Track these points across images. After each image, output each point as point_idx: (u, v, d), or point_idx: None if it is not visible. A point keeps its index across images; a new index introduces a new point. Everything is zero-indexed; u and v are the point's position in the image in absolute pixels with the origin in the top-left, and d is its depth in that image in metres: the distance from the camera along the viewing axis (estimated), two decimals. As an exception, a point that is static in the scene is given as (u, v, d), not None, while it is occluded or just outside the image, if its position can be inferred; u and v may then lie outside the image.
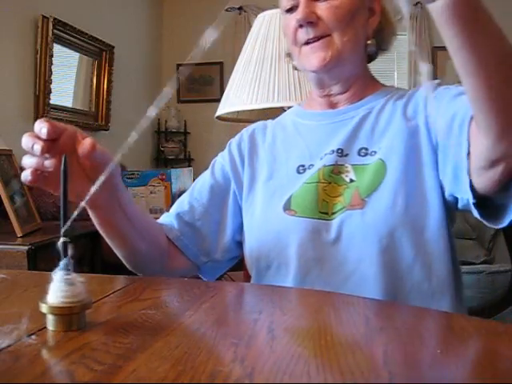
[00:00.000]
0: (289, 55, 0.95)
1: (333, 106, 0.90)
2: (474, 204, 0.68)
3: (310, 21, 0.81)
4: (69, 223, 0.48)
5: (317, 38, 0.82)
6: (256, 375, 0.37)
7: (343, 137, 0.85)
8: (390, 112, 0.85)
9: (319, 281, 0.79)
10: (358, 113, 0.87)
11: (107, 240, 0.80)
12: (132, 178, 3.27)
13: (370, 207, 0.77)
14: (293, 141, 0.92)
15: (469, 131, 0.67)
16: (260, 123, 0.99)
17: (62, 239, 0.48)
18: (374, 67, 0.93)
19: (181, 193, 3.12)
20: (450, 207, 0.79)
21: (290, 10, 0.85)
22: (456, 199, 0.76)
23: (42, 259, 1.61)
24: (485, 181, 0.65)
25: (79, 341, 0.44)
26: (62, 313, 0.46)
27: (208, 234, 0.91)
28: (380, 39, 0.89)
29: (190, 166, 4.37)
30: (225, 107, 1.66)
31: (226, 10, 4.53)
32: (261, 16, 1.76)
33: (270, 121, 0.99)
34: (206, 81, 4.63)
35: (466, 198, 0.71)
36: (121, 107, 3.82)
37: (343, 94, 0.88)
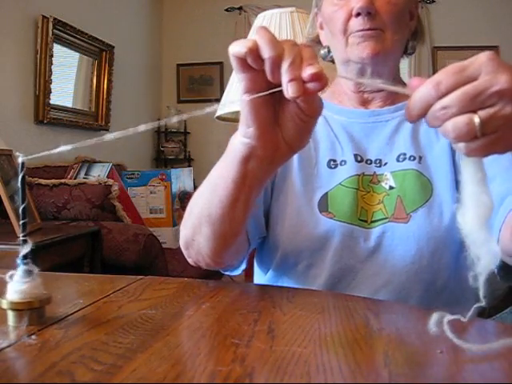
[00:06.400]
0: (315, 42, 0.92)
1: (365, 103, 0.88)
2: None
3: (369, 11, 0.78)
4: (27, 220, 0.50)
5: (369, 30, 0.79)
6: (256, 375, 0.37)
7: (381, 144, 0.84)
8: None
9: (350, 289, 0.78)
10: (394, 117, 0.85)
11: (225, 207, 0.62)
12: (132, 178, 3.26)
13: (416, 223, 0.77)
14: (322, 133, 0.87)
15: (506, 215, 0.67)
16: None
17: (21, 236, 0.49)
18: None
19: (181, 193, 3.12)
20: None
21: None
22: None
23: (42, 259, 1.61)
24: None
25: (79, 341, 0.44)
26: (21, 308, 0.48)
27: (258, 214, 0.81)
28: (413, 43, 0.90)
29: (189, 165, 4.36)
30: (225, 107, 1.66)
31: (226, 10, 4.53)
32: (261, 16, 1.76)
33: None
34: (205, 81, 4.63)
35: None
36: (121, 107, 3.82)
37: (379, 92, 0.86)
